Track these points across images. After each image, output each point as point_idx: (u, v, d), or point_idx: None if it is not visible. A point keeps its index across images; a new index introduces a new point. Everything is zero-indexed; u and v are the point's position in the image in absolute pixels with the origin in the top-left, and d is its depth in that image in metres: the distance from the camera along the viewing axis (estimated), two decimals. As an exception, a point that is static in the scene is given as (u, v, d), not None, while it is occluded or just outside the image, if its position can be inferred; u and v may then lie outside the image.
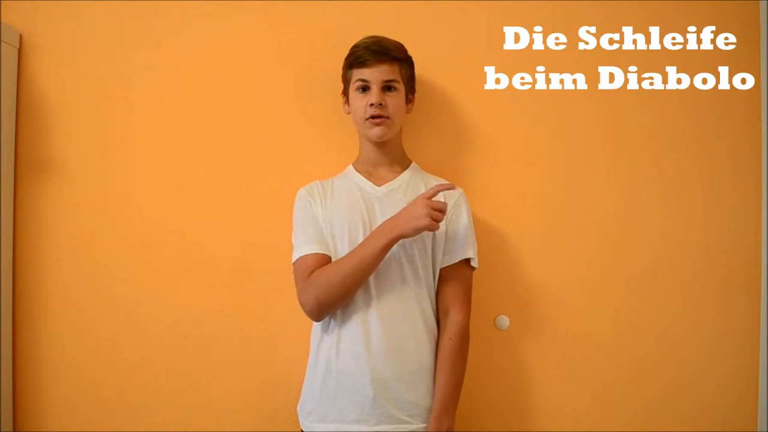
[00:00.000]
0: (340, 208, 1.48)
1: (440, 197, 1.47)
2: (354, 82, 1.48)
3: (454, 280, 1.47)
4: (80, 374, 1.67)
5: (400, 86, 1.49)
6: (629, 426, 1.66)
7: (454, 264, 1.47)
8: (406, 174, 1.53)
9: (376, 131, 1.47)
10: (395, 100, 1.48)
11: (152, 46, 1.69)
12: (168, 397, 1.67)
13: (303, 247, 1.46)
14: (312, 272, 1.42)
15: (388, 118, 1.46)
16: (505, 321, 1.66)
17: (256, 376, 1.66)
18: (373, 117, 1.46)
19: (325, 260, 1.44)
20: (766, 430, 1.62)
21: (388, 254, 1.41)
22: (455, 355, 1.43)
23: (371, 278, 1.41)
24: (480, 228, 1.54)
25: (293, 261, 1.47)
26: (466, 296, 1.48)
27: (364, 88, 1.47)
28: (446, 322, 1.46)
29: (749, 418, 1.65)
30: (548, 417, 1.67)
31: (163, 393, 1.66)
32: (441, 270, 1.47)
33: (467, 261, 1.48)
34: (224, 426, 1.66)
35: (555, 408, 1.67)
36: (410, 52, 1.52)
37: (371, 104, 1.45)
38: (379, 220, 1.44)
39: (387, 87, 1.47)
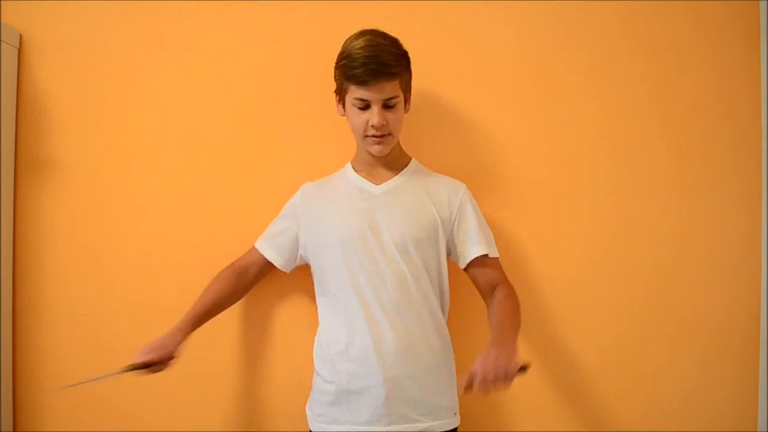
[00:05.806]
0: (339, 209, 1.47)
1: (443, 195, 1.48)
2: (351, 99, 1.42)
3: (486, 267, 1.48)
4: (80, 375, 1.66)
5: (401, 98, 1.44)
6: (629, 426, 1.66)
7: (479, 256, 1.47)
8: (405, 173, 1.51)
9: (376, 149, 1.44)
10: (396, 115, 1.43)
11: (152, 45, 1.69)
12: (168, 397, 1.66)
13: (263, 240, 1.55)
14: (240, 263, 1.55)
15: (389, 135, 1.44)
16: (505, 321, 1.66)
17: (257, 376, 1.66)
18: (374, 136, 1.42)
19: (264, 262, 1.54)
20: (766, 430, 1.62)
21: (394, 253, 1.41)
22: (511, 302, 1.43)
23: (377, 278, 1.41)
24: (480, 227, 1.54)
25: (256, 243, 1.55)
26: (503, 274, 1.50)
27: (364, 106, 1.41)
28: (496, 293, 1.45)
29: (749, 418, 1.65)
30: (549, 417, 1.67)
31: (163, 393, 1.66)
32: (471, 262, 1.47)
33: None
34: (225, 426, 1.66)
35: (555, 408, 1.67)
36: (410, 52, 1.49)
37: (373, 126, 1.40)
38: (378, 219, 1.44)
39: (387, 105, 1.42)
